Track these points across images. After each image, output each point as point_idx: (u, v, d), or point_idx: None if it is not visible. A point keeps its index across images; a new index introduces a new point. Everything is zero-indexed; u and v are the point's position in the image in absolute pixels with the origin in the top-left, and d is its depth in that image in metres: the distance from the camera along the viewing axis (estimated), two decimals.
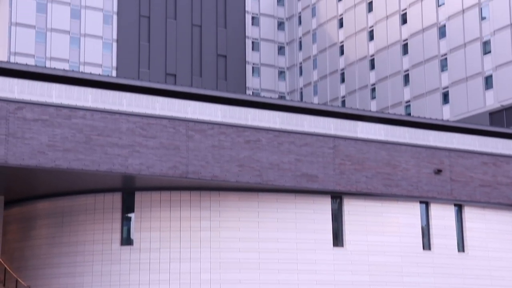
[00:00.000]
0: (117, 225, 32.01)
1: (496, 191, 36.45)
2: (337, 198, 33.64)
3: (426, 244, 34.98)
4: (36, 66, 30.69)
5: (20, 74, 30.36)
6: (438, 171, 35.23)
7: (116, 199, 32.27)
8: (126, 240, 32.02)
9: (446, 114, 64.35)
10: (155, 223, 31.79)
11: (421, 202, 35.20)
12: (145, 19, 77.93)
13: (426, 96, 66.99)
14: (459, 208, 36.16)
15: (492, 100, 60.58)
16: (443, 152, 35.73)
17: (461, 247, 35.71)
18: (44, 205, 33.78)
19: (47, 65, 71.86)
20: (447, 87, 64.97)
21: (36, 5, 73.64)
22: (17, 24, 72.38)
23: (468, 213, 36.09)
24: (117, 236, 31.93)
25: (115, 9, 76.72)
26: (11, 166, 27.61)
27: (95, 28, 75.76)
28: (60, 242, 32.92)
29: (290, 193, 32.74)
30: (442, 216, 35.46)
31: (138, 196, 32.08)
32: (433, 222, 35.20)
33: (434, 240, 35.08)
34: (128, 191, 32.27)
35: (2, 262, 34.32)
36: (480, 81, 61.77)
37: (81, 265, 32.18)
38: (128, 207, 32.33)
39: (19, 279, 33.42)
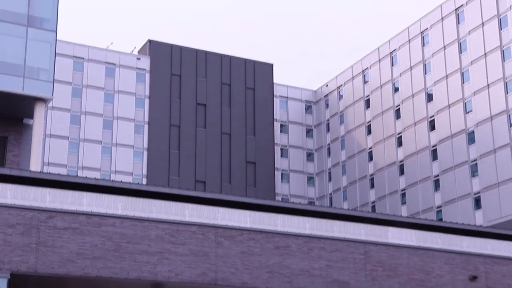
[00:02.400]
0: None
1: None
2: None
3: None
4: (67, 175, 31.17)
5: (52, 183, 30.77)
6: (474, 278, 34.32)
7: None
8: None
9: (479, 219, 63.37)
10: None
11: None
12: (176, 128, 79.44)
13: (458, 201, 66.29)
14: None
15: None
16: (478, 258, 34.91)
17: None
18: None
19: (79, 174, 72.96)
20: (478, 193, 64.33)
21: (70, 117, 75.69)
22: (51, 135, 74.19)
23: None
24: None
25: (146, 119, 78.48)
26: (40, 275, 27.62)
27: (126, 138, 77.31)
28: None
29: None
30: None
31: None
32: None
33: None
34: None
35: None
36: None
37: None
38: None
39: None
